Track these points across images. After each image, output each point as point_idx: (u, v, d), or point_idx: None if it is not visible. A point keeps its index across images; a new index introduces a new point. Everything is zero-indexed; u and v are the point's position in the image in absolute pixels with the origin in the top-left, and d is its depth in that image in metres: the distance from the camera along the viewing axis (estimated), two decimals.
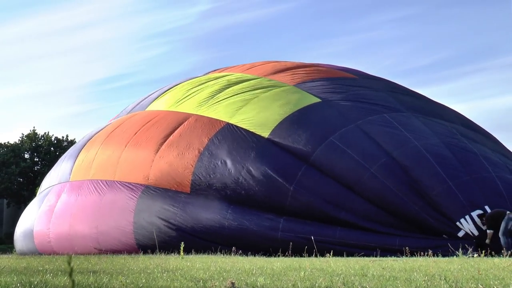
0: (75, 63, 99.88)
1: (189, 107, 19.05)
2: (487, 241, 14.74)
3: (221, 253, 15.28)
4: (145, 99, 22.21)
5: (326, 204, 15.48)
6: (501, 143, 19.87)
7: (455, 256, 13.74)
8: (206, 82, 20.36)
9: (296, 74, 19.92)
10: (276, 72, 20.17)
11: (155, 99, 21.09)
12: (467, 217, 14.97)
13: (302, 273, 8.55)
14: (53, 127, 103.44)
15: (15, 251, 22.13)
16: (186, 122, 18.31)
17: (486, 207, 15.10)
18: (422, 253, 13.96)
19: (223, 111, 18.04)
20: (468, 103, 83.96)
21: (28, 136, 49.95)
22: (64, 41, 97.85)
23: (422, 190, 15.38)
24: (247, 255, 14.92)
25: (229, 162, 16.59)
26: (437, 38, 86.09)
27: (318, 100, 17.88)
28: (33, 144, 49.46)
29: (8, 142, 50.38)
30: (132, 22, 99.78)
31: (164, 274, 8.59)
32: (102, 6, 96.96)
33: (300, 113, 17.25)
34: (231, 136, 17.14)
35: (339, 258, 13.25)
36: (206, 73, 22.98)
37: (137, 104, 22.18)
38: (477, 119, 74.69)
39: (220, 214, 16.15)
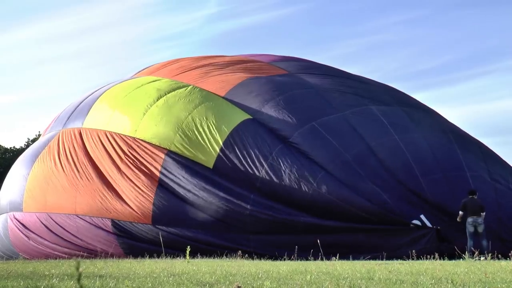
0: (81, 67, 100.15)
1: (125, 127, 18.43)
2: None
3: (226, 256, 15.28)
4: (79, 105, 20.95)
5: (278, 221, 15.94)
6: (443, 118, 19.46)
7: (461, 259, 13.74)
8: (135, 89, 19.61)
9: (226, 76, 19.33)
10: (206, 75, 19.52)
11: (89, 110, 19.92)
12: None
13: (308, 277, 8.54)
14: None
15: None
16: (126, 147, 17.90)
17: (422, 216, 15.33)
18: (428, 256, 14.02)
19: (160, 136, 17.65)
20: (476, 105, 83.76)
21: (33, 141, 50.05)
22: (70, 46, 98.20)
23: None
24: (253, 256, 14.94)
25: (185, 189, 16.70)
26: (443, 40, 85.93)
27: (248, 116, 17.53)
28: None
29: (13, 146, 50.56)
30: (138, 26, 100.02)
31: (170, 278, 8.59)
32: (108, 11, 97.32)
33: (235, 133, 17.04)
34: (178, 164, 17.06)
35: (345, 262, 13.25)
36: (136, 74, 22.26)
37: (72, 113, 20.79)
38: (485, 121, 74.67)
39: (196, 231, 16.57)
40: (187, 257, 13.53)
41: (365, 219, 15.41)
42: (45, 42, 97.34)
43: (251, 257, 15.27)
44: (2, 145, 52.27)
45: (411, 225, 15.21)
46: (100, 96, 20.28)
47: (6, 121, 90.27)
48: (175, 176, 16.92)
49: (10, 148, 50.38)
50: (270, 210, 15.98)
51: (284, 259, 14.77)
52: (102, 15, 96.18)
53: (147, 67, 22.57)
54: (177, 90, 18.74)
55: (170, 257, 15.57)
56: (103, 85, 21.83)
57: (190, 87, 18.87)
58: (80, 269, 2.76)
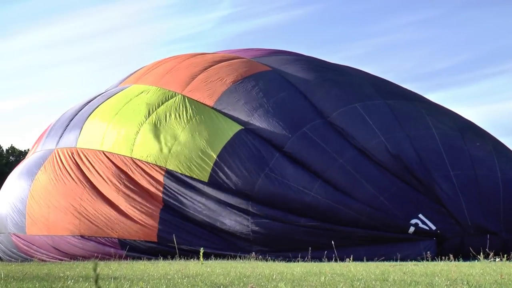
0: (94, 69, 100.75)
1: (120, 147, 18.23)
2: None
3: (240, 258, 15.29)
4: (70, 122, 20.59)
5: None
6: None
7: (476, 260, 13.68)
8: (125, 105, 19.28)
9: (212, 82, 18.92)
10: (191, 80, 19.18)
11: (82, 129, 19.63)
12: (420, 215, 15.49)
13: (323, 278, 8.53)
14: None
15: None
16: (125, 167, 17.78)
17: (420, 215, 15.41)
18: (443, 257, 14.02)
19: (155, 154, 17.52)
20: (490, 105, 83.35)
21: None
22: (83, 48, 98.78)
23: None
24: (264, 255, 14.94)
25: (187, 206, 16.72)
26: (456, 40, 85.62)
27: (240, 127, 17.34)
28: None
29: (28, 149, 50.86)
30: (151, 29, 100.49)
31: (185, 280, 8.61)
32: (121, 13, 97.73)
33: (229, 146, 16.95)
34: (177, 181, 17.05)
35: (359, 263, 13.22)
36: (123, 81, 21.81)
37: (64, 130, 20.39)
38: (499, 121, 74.16)
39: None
40: (201, 258, 13.56)
41: (365, 224, 15.54)
42: (59, 44, 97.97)
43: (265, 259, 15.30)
44: (17, 148, 52.71)
45: (410, 231, 15.31)
46: (91, 113, 20.02)
47: (21, 123, 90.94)
48: (176, 193, 16.89)
49: (25, 150, 50.70)
50: (271, 220, 15.99)
51: (298, 261, 14.76)
52: (115, 17, 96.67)
53: (133, 73, 22.18)
54: (166, 103, 18.49)
55: (184, 259, 15.61)
56: (93, 97, 21.61)
57: (178, 97, 18.59)
58: (99, 271, 2.77)
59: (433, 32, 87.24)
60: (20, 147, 54.92)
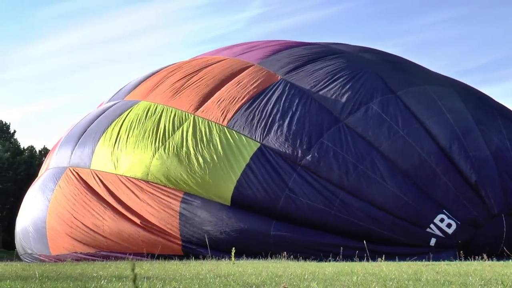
0: (125, 70, 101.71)
1: (136, 171, 18.30)
2: None
3: (271, 258, 15.31)
4: (82, 136, 20.73)
5: None
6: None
7: (510, 260, 13.52)
8: (138, 126, 19.19)
9: (224, 101, 18.70)
10: (203, 101, 19.02)
11: (95, 149, 19.66)
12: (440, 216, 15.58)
13: (355, 278, 8.49)
14: None
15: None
16: (140, 192, 17.92)
17: (445, 211, 15.51)
18: (476, 256, 13.92)
19: (174, 179, 17.52)
20: None
21: None
22: (114, 50, 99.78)
23: None
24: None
25: (207, 227, 16.82)
26: (491, 37, 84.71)
27: (257, 145, 17.27)
28: None
29: None
30: (182, 29, 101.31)
31: (217, 280, 8.63)
32: (151, 14, 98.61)
33: (248, 169, 16.89)
34: (196, 205, 17.11)
35: (391, 263, 13.14)
36: (129, 94, 21.74)
37: (77, 144, 20.63)
38: None
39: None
40: (233, 258, 13.59)
41: (388, 238, 15.64)
42: (89, 47, 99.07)
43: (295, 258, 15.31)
44: (50, 149, 53.28)
45: (431, 243, 15.40)
46: (103, 133, 19.98)
47: (55, 125, 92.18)
48: (195, 215, 16.96)
49: None
50: (294, 240, 16.04)
51: (330, 260, 14.73)
52: (146, 18, 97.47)
53: (138, 83, 22.16)
54: (181, 127, 18.40)
55: (216, 259, 15.67)
56: (101, 111, 21.70)
57: (192, 119, 18.52)
58: (135, 270, 2.81)
59: (467, 29, 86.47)
60: None
